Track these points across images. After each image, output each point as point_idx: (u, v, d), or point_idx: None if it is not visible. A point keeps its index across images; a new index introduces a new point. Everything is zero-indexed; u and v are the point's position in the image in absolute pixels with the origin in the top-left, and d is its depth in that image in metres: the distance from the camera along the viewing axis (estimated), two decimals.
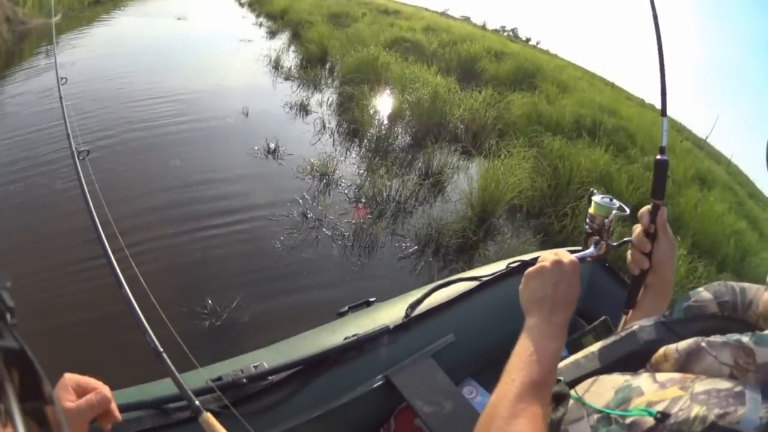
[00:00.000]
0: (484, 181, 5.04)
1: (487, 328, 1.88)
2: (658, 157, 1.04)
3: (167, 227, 4.19)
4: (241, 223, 4.37)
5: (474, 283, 1.92)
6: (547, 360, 0.79)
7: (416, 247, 4.34)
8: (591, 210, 1.07)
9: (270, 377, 1.42)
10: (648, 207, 0.99)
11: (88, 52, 11.63)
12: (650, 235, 0.99)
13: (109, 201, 3.62)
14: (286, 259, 3.93)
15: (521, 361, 0.79)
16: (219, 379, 1.35)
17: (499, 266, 2.05)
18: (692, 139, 17.16)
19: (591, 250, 1.07)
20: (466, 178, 5.60)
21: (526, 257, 2.05)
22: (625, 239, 1.05)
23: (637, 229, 1.01)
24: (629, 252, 1.03)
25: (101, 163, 5.27)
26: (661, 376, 0.69)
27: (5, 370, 0.52)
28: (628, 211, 1.05)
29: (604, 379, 0.78)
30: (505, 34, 37.61)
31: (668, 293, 1.01)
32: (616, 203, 1.05)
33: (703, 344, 0.67)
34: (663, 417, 0.59)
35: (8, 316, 0.58)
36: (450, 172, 5.85)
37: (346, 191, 5.14)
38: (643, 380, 0.70)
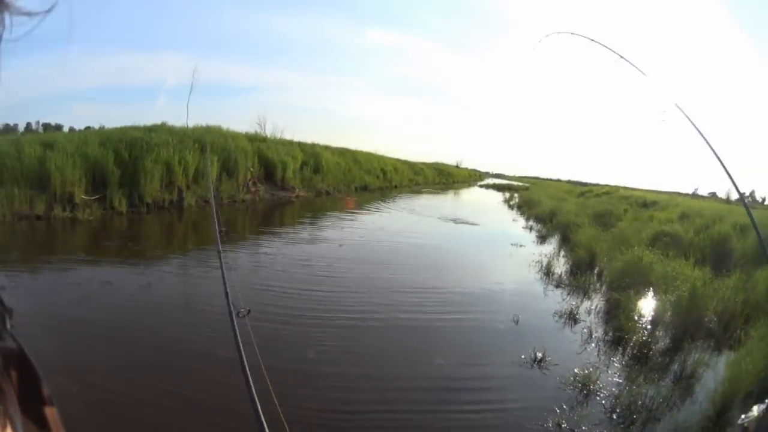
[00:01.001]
0: (726, 374, 5.14)
1: None
2: None
3: (431, 416, 4.74)
4: (495, 427, 4.67)
5: None
6: None
7: None
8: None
9: None
10: None
11: (357, 236, 13.73)
12: None
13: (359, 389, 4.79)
14: None
15: None
16: None
17: None
18: None
19: None
20: (714, 374, 5.63)
21: None
22: None
23: None
24: None
25: (368, 338, 6.42)
26: None
27: (4, 371, 0.52)
28: None
29: None
30: (746, 200, 35.73)
31: None
32: None
33: None
34: None
35: (7, 317, 0.60)
36: (701, 371, 5.81)
37: (603, 401, 5.19)
38: None
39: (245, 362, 1.62)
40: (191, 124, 19.72)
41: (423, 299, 8.38)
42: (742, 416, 1.38)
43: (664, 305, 7.79)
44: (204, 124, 20.48)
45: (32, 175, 11.33)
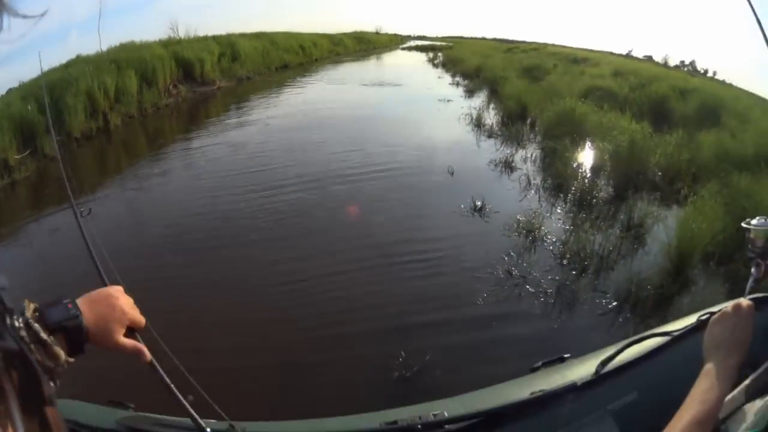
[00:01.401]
0: (679, 230, 4.94)
1: (672, 386, 1.68)
2: None
3: (383, 277, 4.66)
4: (447, 278, 4.60)
5: (664, 339, 1.81)
6: (714, 401, 0.91)
7: (615, 302, 4.24)
8: (751, 235, 1.16)
9: (446, 425, 1.40)
10: None
11: (283, 112, 13.64)
12: None
13: (331, 241, 5.12)
14: (488, 315, 4.04)
15: (693, 400, 0.92)
16: (394, 422, 1.39)
17: (690, 320, 1.90)
18: None
19: (753, 274, 1.15)
20: (665, 228, 5.45)
21: (715, 308, 1.91)
22: None
23: None
24: None
25: (305, 205, 6.38)
26: None
27: (5, 371, 0.52)
28: None
29: (748, 406, 0.90)
30: (685, 69, 35.93)
31: None
32: None
33: None
34: None
35: (8, 316, 0.59)
36: (650, 223, 5.68)
37: (551, 248, 5.15)
38: None
39: (96, 260, 1.44)
40: (105, 47, 18.57)
41: (354, 162, 8.15)
42: (752, 222, 1.18)
43: (602, 154, 7.66)
44: (117, 44, 19.02)
45: None
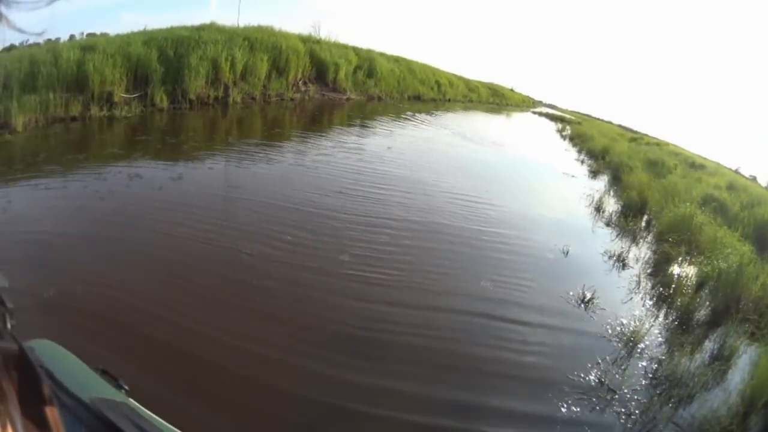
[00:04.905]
0: (760, 370, 4.77)
1: None
2: None
3: (472, 342, 4.59)
4: (538, 367, 4.42)
5: None
6: None
7: None
8: None
9: None
10: None
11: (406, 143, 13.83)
12: None
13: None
14: (569, 422, 3.83)
15: None
16: None
17: None
18: None
19: None
20: (749, 363, 5.34)
21: None
22: None
23: None
24: None
25: (409, 243, 6.40)
26: None
27: (5, 371, 0.53)
28: None
29: None
30: None
31: None
32: None
33: None
34: None
35: (7, 317, 0.61)
36: (737, 357, 5.43)
37: (645, 364, 4.90)
38: None
39: None
40: (243, 24, 19.26)
41: (470, 211, 8.31)
42: None
43: (712, 273, 7.39)
44: (256, 24, 19.56)
45: (69, 79, 10.56)
